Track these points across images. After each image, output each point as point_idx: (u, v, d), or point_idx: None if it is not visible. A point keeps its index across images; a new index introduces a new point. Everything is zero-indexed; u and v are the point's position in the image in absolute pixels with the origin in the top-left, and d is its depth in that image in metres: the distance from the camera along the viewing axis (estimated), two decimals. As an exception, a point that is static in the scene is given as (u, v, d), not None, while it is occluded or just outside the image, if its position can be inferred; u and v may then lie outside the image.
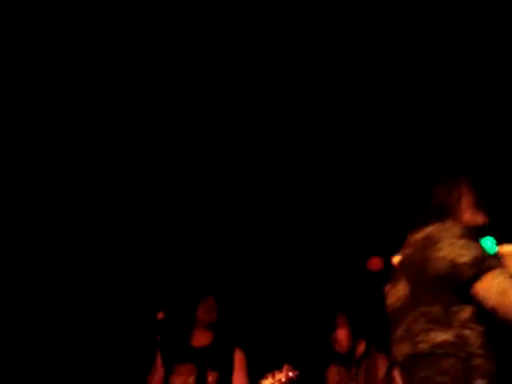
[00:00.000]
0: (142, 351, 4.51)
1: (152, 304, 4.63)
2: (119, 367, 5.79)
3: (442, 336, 2.33)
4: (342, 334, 4.23)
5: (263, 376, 4.18)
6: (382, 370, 4.08)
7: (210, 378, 4.35)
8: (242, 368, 4.44)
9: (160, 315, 4.15)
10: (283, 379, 4.16)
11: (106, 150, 5.60)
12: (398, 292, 2.63)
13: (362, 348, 4.23)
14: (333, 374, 4.39)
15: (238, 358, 4.49)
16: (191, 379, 4.36)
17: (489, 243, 6.35)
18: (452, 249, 2.38)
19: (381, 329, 4.23)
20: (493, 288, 2.28)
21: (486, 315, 2.34)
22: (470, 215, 2.64)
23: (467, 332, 2.33)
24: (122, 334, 5.97)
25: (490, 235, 3.84)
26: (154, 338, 4.10)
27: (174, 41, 4.86)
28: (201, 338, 4.51)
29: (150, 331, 4.14)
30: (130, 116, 5.41)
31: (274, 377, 4.16)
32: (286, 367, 4.18)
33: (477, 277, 2.32)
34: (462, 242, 2.40)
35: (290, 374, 4.14)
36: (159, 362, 4.40)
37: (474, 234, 2.52)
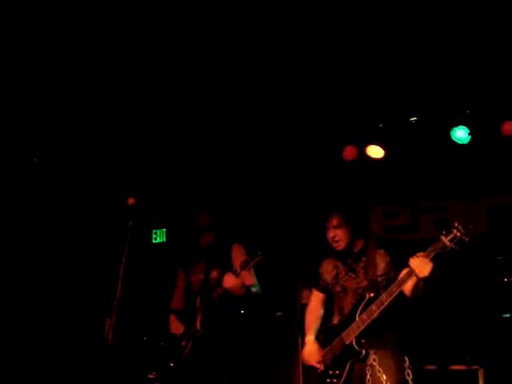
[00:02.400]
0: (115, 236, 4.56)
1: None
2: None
3: None
4: (340, 233, 4.25)
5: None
6: (381, 264, 4.13)
7: (215, 273, 4.96)
8: (240, 257, 4.91)
9: (131, 201, 4.17)
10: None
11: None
12: None
13: (360, 245, 4.27)
14: (329, 266, 4.40)
15: (236, 251, 5.04)
16: (201, 275, 5.05)
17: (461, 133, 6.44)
18: None
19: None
20: None
21: None
22: None
23: None
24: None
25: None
26: (125, 222, 4.12)
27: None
28: (204, 239, 5.12)
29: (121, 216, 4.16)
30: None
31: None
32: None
33: None
34: None
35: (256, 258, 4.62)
36: (180, 270, 5.22)
37: None
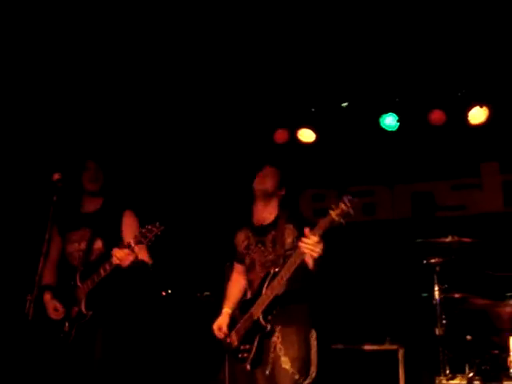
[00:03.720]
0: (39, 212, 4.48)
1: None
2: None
3: None
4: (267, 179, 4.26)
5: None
6: (288, 239, 4.14)
7: (99, 243, 4.42)
8: (131, 228, 4.40)
9: (56, 176, 4.11)
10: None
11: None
12: None
13: (271, 217, 4.27)
14: (241, 237, 4.38)
15: (128, 218, 4.51)
16: (83, 245, 4.45)
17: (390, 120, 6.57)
18: None
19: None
20: None
21: None
22: None
23: None
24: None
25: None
26: (50, 198, 4.06)
27: None
28: (89, 205, 4.57)
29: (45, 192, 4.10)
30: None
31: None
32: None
33: None
34: None
35: (155, 228, 4.04)
36: (55, 230, 4.44)
37: None
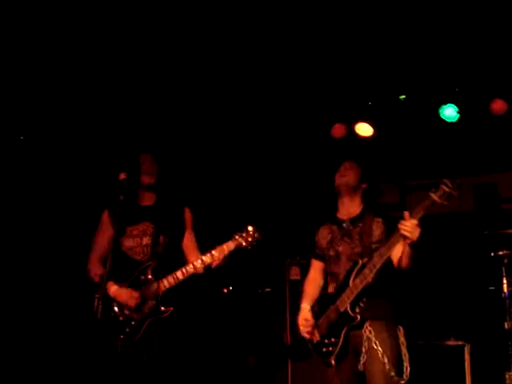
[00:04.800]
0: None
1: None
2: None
3: None
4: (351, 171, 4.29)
5: (231, 237, 4.26)
6: (377, 232, 4.14)
7: (161, 239, 4.40)
8: (191, 227, 4.52)
9: (122, 176, 4.13)
10: (250, 239, 4.26)
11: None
12: None
13: (358, 210, 4.27)
14: (324, 232, 4.37)
15: (188, 216, 4.56)
16: (145, 239, 4.43)
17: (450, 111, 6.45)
18: None
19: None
20: None
21: None
22: None
23: None
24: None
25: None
26: (116, 197, 4.08)
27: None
28: (146, 198, 4.55)
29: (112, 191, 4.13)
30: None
31: (242, 237, 4.27)
32: (251, 228, 4.28)
33: None
34: None
35: (257, 234, 4.25)
36: (105, 219, 4.47)
37: None
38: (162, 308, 4.24)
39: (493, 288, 4.96)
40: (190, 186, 6.05)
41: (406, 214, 3.77)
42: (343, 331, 4.02)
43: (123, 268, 4.30)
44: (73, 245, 5.76)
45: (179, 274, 4.23)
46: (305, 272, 4.58)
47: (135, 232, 4.42)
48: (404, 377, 3.97)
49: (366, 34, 5.71)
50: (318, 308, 4.23)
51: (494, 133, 6.52)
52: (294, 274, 6.32)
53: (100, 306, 3.90)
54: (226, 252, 4.25)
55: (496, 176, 6.70)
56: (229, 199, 6.93)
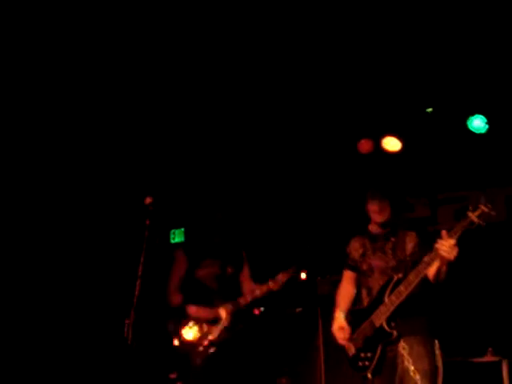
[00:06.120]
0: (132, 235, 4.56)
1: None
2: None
3: None
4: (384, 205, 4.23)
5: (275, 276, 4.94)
6: (410, 245, 4.11)
7: (229, 269, 5.09)
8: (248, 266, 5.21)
9: (148, 200, 4.16)
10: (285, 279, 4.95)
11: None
12: None
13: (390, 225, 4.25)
14: (356, 245, 4.36)
15: (245, 256, 5.26)
16: (215, 269, 5.08)
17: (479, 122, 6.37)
18: None
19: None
20: None
21: None
22: None
23: None
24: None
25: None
26: (143, 221, 4.11)
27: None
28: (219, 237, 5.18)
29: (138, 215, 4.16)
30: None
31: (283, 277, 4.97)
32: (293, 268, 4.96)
33: None
34: None
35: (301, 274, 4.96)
36: (181, 256, 5.10)
37: None
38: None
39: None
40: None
41: (444, 233, 3.74)
42: (379, 346, 4.00)
43: (198, 292, 5.01)
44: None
45: (257, 292, 4.98)
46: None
47: (209, 262, 5.10)
48: None
49: (394, 48, 5.69)
50: (352, 321, 4.22)
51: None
52: (326, 291, 6.26)
53: (130, 332, 4.04)
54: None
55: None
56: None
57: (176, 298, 5.03)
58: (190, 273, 5.06)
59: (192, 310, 4.96)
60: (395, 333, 3.96)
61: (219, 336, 4.85)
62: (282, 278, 4.97)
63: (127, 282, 4.24)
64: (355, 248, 4.36)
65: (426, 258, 3.84)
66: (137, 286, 4.02)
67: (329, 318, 4.48)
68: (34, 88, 5.54)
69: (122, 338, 4.11)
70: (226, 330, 4.88)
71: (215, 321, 4.89)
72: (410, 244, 4.12)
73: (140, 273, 4.07)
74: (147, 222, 4.15)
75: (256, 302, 5.11)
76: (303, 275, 4.81)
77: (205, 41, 5.42)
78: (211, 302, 4.96)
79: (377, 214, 4.24)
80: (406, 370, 3.91)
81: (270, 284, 4.96)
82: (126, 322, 4.14)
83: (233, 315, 4.90)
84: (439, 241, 3.73)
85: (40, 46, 5.21)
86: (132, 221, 4.48)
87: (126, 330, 4.12)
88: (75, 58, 5.39)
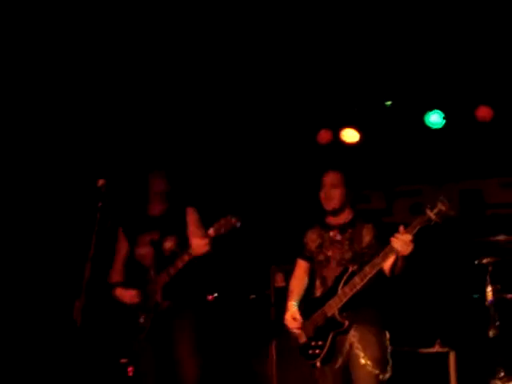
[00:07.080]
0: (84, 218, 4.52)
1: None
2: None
3: None
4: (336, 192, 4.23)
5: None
6: (367, 237, 4.14)
7: (170, 244, 4.58)
8: (196, 223, 4.64)
9: (100, 182, 4.14)
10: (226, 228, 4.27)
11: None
12: None
13: (348, 217, 4.24)
14: (313, 236, 4.35)
15: (191, 214, 4.68)
16: (151, 247, 4.61)
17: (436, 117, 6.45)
18: None
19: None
20: None
21: None
22: None
23: None
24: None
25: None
26: (95, 204, 4.08)
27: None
28: (156, 208, 4.73)
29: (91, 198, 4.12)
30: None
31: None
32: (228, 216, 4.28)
33: None
34: None
35: (233, 220, 4.24)
36: (120, 235, 4.74)
37: None
38: (160, 302, 4.43)
39: (477, 296, 4.93)
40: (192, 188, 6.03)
41: (401, 228, 3.79)
42: (330, 335, 4.04)
43: (135, 274, 4.63)
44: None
45: (178, 263, 4.36)
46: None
47: (145, 240, 4.64)
48: (388, 374, 4.02)
49: (352, 41, 5.72)
50: (305, 310, 4.25)
51: (479, 139, 6.52)
52: (280, 280, 6.28)
53: (80, 314, 4.04)
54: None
55: (481, 182, 6.69)
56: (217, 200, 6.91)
57: (112, 279, 4.71)
58: (131, 252, 4.68)
59: (117, 292, 4.64)
60: (347, 322, 4.01)
61: (145, 321, 4.45)
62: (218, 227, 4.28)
63: (78, 264, 4.20)
64: (312, 239, 4.36)
65: (382, 251, 3.89)
66: (87, 269, 3.98)
67: (282, 306, 4.50)
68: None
69: (71, 321, 4.10)
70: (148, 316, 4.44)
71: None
72: (366, 236, 4.15)
73: (91, 255, 4.04)
74: (99, 205, 4.11)
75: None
76: (238, 224, 4.17)
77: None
78: (147, 281, 4.51)
79: (326, 200, 4.27)
80: (357, 357, 3.97)
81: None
82: (76, 304, 4.12)
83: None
84: (396, 235, 3.78)
85: (39, 45, 5.23)
86: (84, 203, 4.43)
87: (75, 312, 4.11)
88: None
